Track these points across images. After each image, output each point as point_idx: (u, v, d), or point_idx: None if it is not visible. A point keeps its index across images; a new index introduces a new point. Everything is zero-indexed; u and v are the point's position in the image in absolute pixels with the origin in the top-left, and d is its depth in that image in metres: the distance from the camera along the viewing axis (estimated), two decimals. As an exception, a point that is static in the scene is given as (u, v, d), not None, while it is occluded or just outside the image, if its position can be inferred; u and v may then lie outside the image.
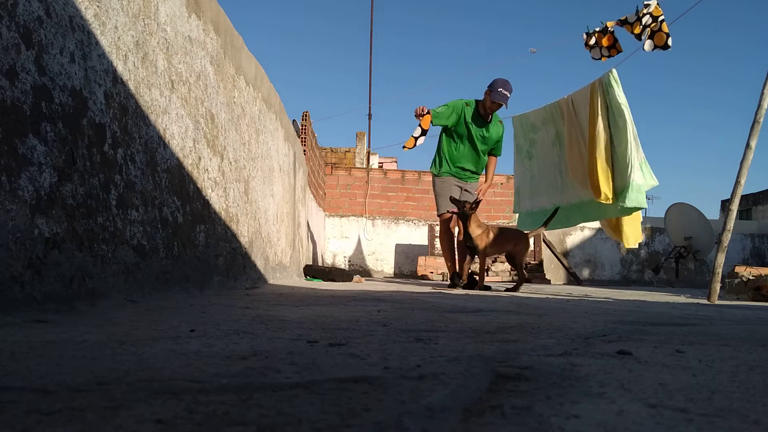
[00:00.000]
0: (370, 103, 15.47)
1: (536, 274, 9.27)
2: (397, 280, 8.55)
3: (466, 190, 5.11)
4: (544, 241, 10.42)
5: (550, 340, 1.24)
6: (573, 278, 10.54)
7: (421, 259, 9.62)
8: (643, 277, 11.19)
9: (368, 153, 14.22)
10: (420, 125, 4.98)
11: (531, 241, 10.00)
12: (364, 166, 13.14)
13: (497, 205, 11.07)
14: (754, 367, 0.97)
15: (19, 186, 1.34)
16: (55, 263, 1.47)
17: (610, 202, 4.92)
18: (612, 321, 1.82)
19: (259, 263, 3.89)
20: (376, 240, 10.98)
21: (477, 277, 4.93)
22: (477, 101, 5.08)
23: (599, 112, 4.92)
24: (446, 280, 8.44)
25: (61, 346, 0.93)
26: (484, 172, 5.28)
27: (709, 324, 1.85)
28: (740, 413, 0.64)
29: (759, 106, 3.99)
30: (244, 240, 3.48)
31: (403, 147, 5.07)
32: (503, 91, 4.94)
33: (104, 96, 1.78)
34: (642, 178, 4.83)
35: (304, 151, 7.43)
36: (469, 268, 5.09)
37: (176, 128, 2.38)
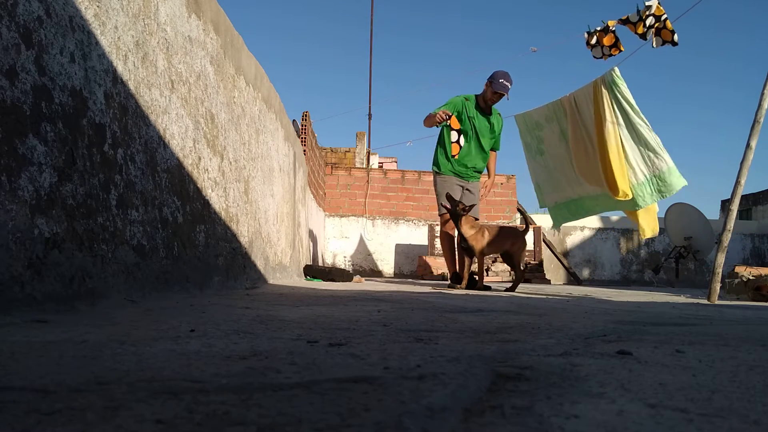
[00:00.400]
0: (370, 103, 15.48)
1: (536, 274, 9.27)
2: (397, 280, 8.55)
3: (467, 190, 5.08)
4: (544, 241, 10.42)
5: (550, 340, 1.24)
6: (573, 278, 10.54)
7: (421, 259, 9.62)
8: (643, 277, 11.19)
9: (368, 153, 14.21)
10: (452, 128, 4.99)
11: (531, 238, 9.98)
12: (364, 166, 13.14)
13: (497, 205, 11.07)
14: (754, 367, 0.97)
15: (19, 186, 1.34)
16: (55, 263, 1.47)
17: (628, 197, 4.96)
18: (612, 321, 1.82)
19: (259, 263, 3.89)
20: (376, 240, 10.98)
21: (477, 277, 4.93)
22: (476, 95, 5.09)
23: (606, 110, 4.94)
24: (446, 280, 8.44)
25: (61, 346, 0.93)
26: (485, 171, 5.28)
27: (709, 324, 1.85)
28: (740, 413, 0.64)
29: (759, 105, 3.99)
30: (244, 240, 3.48)
31: (453, 156, 5.02)
32: (504, 82, 4.94)
33: (104, 96, 1.78)
34: (649, 174, 4.90)
35: (304, 151, 7.43)
36: (469, 269, 5.09)
37: (176, 128, 2.38)
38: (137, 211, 1.98)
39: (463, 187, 5.08)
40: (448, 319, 1.71)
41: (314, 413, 0.58)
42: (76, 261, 1.57)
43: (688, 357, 1.05)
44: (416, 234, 10.95)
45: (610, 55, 5.33)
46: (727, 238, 4.07)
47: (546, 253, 10.56)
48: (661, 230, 10.90)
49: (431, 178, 11.25)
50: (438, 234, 9.88)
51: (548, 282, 9.31)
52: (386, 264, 10.93)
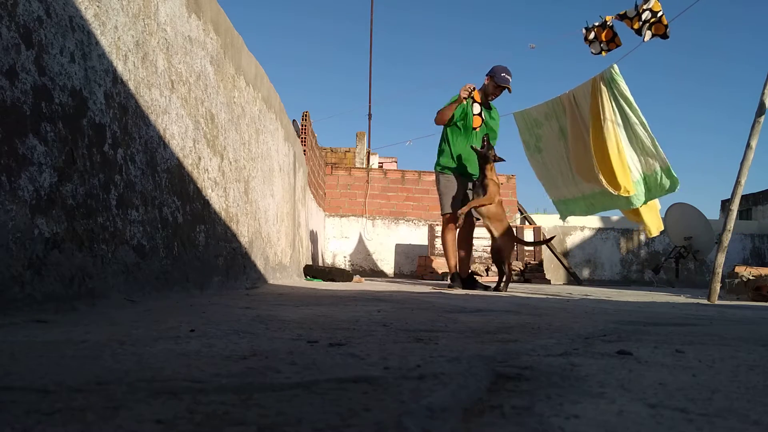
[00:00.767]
0: (370, 103, 15.46)
1: (536, 274, 9.27)
2: (397, 280, 8.55)
3: (471, 189, 5.06)
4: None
5: (550, 340, 1.24)
6: (573, 278, 10.54)
7: (421, 259, 9.62)
8: (643, 277, 11.19)
9: (368, 153, 14.21)
10: (474, 101, 4.91)
11: (531, 238, 9.98)
12: (364, 166, 13.14)
13: (497, 205, 11.06)
14: (754, 367, 0.97)
15: (19, 186, 1.34)
16: (55, 263, 1.47)
17: (630, 194, 4.95)
18: (612, 321, 1.82)
19: (259, 263, 3.89)
20: (376, 240, 10.98)
21: (477, 277, 4.92)
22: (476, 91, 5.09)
23: (604, 107, 4.93)
24: (446, 280, 8.44)
25: (61, 346, 0.93)
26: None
27: (709, 324, 1.85)
28: (740, 413, 0.64)
29: (759, 105, 3.99)
30: (244, 240, 3.48)
31: (474, 129, 4.94)
32: (506, 76, 4.94)
33: (104, 96, 1.78)
34: (643, 174, 4.89)
35: (304, 151, 7.43)
36: (470, 268, 5.08)
37: (176, 128, 2.38)
38: (137, 211, 1.98)
39: (466, 187, 5.05)
40: (448, 319, 1.71)
41: (314, 413, 0.58)
42: (76, 261, 1.57)
43: (688, 357, 1.05)
44: (416, 234, 10.95)
45: (608, 50, 5.33)
46: (727, 238, 4.07)
47: (546, 253, 10.56)
48: (662, 230, 10.91)
49: (431, 178, 11.27)
50: (438, 234, 9.90)
51: (548, 282, 9.31)
52: (386, 264, 10.93)
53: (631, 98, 4.85)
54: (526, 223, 11.07)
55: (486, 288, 4.87)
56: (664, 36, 4.99)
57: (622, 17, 5.15)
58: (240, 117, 3.47)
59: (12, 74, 1.33)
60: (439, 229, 9.74)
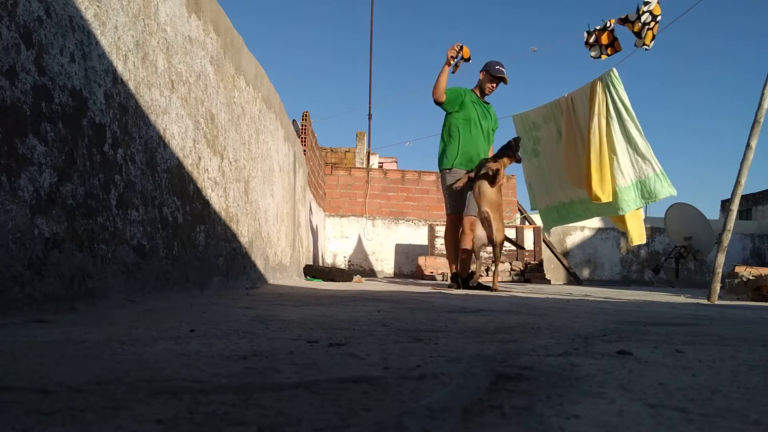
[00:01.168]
0: (370, 103, 15.48)
1: (536, 274, 9.27)
2: (397, 280, 8.55)
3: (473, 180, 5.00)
4: (544, 241, 10.42)
5: (550, 340, 1.24)
6: (573, 278, 10.55)
7: (421, 259, 9.62)
8: (643, 277, 11.20)
9: (368, 153, 14.21)
10: (464, 59, 4.78)
11: (532, 238, 9.97)
12: (364, 166, 13.15)
13: (497, 205, 11.06)
14: (754, 367, 0.97)
15: (19, 186, 1.34)
16: (55, 263, 1.47)
17: (602, 201, 4.94)
18: (612, 321, 1.82)
19: (259, 263, 3.89)
20: (376, 240, 10.98)
21: (476, 276, 4.92)
22: (472, 90, 5.08)
23: (597, 111, 4.93)
24: (446, 280, 8.44)
25: (61, 346, 0.93)
26: None
27: (709, 324, 1.85)
28: (740, 413, 0.64)
29: (759, 106, 3.99)
30: (244, 240, 3.48)
31: (465, 59, 4.77)
32: (500, 68, 4.93)
33: (104, 96, 1.78)
34: (629, 180, 4.87)
35: (304, 151, 7.43)
36: (470, 268, 5.08)
37: (176, 128, 2.38)
38: (137, 211, 1.98)
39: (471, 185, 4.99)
40: (448, 319, 1.71)
41: (314, 413, 0.58)
42: (76, 261, 1.57)
43: (688, 357, 1.05)
44: (416, 234, 10.95)
45: (608, 54, 5.33)
46: (727, 238, 4.07)
47: (546, 253, 10.56)
48: (661, 230, 10.91)
49: (431, 178, 11.27)
50: (438, 234, 9.91)
51: (548, 282, 9.31)
52: (386, 264, 10.93)
53: (629, 103, 4.83)
54: (526, 223, 11.06)
55: (487, 288, 4.86)
56: (647, 47, 5.01)
57: (624, 21, 5.16)
58: (240, 117, 3.47)
59: (12, 74, 1.33)
60: (438, 229, 9.75)
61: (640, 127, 4.84)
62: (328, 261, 10.68)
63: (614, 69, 4.91)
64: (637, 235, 5.32)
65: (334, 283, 5.19)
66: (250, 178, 3.70)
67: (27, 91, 1.38)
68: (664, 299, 4.07)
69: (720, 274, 4.03)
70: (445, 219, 5.10)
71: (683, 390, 0.75)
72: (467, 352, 1.03)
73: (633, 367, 0.91)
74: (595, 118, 4.92)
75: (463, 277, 4.98)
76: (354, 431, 0.52)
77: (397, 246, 10.94)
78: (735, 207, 4.09)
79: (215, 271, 2.85)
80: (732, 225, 4.10)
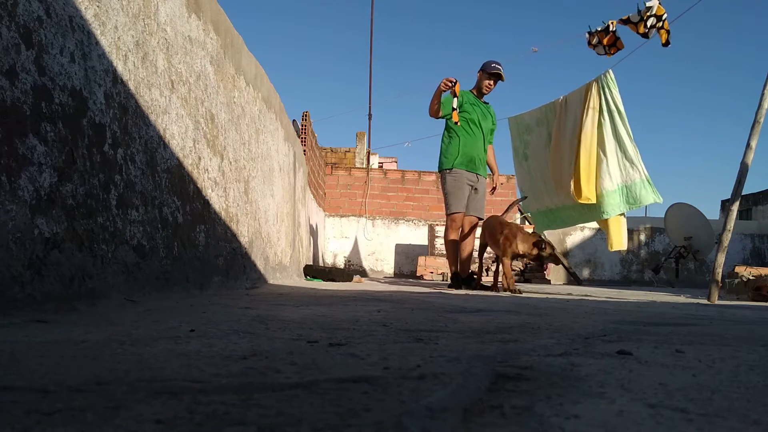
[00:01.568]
0: (370, 103, 15.46)
1: (536, 274, 9.27)
2: (397, 280, 8.55)
3: (476, 189, 4.97)
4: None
5: (550, 340, 1.24)
6: (573, 278, 10.53)
7: (421, 259, 9.62)
8: (643, 277, 11.20)
9: (368, 153, 14.21)
10: (454, 95, 4.78)
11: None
12: (364, 166, 13.14)
13: (497, 205, 11.07)
14: (754, 367, 0.97)
15: (19, 186, 1.34)
16: (55, 263, 1.47)
17: (590, 200, 4.93)
18: (612, 321, 1.82)
19: (259, 263, 3.89)
20: (376, 240, 10.98)
21: (476, 276, 4.92)
22: (470, 90, 5.09)
23: (591, 111, 4.92)
24: (446, 280, 8.44)
25: (61, 346, 0.93)
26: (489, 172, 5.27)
27: (709, 324, 1.85)
28: (740, 413, 0.64)
29: (759, 106, 3.99)
30: (244, 240, 3.48)
31: (456, 123, 4.83)
32: (496, 66, 4.95)
33: (104, 96, 1.78)
34: (615, 184, 4.86)
35: (304, 151, 7.43)
36: (470, 268, 5.08)
37: (176, 128, 2.38)
38: (137, 211, 1.98)
39: (472, 186, 4.96)
40: (448, 319, 1.71)
41: (314, 413, 0.58)
42: (76, 261, 1.57)
43: (688, 357, 1.05)
44: (416, 234, 10.95)
45: (611, 54, 5.34)
46: (727, 238, 4.07)
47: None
48: (661, 230, 10.91)
49: (431, 178, 11.27)
50: (437, 234, 9.90)
51: (548, 282, 9.31)
52: (386, 264, 10.93)
53: (622, 107, 4.82)
54: (526, 223, 11.06)
55: (487, 288, 4.86)
56: (666, 43, 4.99)
57: (625, 22, 5.16)
58: (240, 117, 3.47)
59: (12, 74, 1.33)
60: (438, 229, 9.74)
61: (630, 132, 4.83)
62: (328, 261, 10.68)
63: (610, 71, 4.91)
64: (617, 240, 5.19)
65: (334, 283, 5.19)
66: (250, 178, 3.70)
67: (27, 91, 1.38)
68: (664, 299, 4.08)
69: (720, 274, 4.03)
70: (445, 219, 5.10)
71: (683, 390, 0.75)
72: (467, 352, 1.03)
73: (633, 367, 0.91)
74: (589, 118, 4.92)
75: (463, 278, 4.98)
76: (354, 431, 0.52)
77: (397, 246, 10.94)
78: (735, 207, 4.09)
79: (215, 271, 2.85)
80: (732, 225, 4.10)
